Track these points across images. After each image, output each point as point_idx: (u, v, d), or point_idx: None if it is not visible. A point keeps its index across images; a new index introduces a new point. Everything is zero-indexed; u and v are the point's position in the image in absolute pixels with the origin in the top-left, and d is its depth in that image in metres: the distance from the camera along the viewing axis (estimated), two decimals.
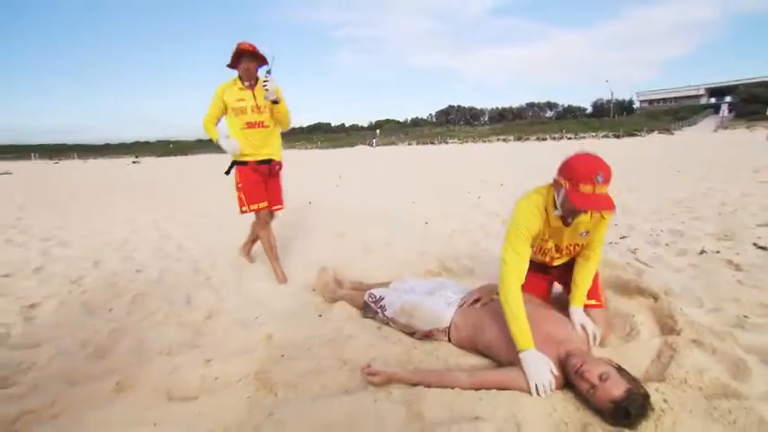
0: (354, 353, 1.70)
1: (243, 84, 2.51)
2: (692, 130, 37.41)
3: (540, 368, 1.39)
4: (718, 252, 2.72)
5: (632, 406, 1.20)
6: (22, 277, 2.96)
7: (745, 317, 1.84)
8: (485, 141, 41.19)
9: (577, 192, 1.41)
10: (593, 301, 1.77)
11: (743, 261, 2.50)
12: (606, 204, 1.40)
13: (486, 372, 1.50)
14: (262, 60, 2.48)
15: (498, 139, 41.37)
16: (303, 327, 1.97)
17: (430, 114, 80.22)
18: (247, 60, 2.45)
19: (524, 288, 1.87)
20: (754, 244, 2.81)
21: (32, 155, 53.27)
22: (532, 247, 1.69)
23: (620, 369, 1.33)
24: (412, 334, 1.83)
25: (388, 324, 1.93)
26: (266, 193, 2.69)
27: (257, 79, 2.52)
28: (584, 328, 1.65)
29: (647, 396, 1.25)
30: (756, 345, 1.62)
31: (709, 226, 3.39)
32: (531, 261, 1.85)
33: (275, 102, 2.46)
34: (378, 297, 2.01)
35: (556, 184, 1.53)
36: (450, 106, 77.69)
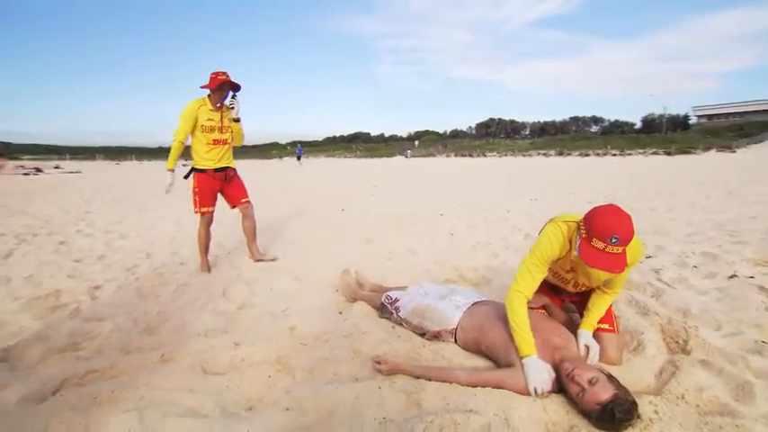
0: (367, 347, 1.86)
1: (213, 106, 2.94)
2: (758, 148, 34.40)
3: (539, 372, 1.48)
4: (751, 277, 2.62)
5: (618, 409, 1.26)
6: (90, 263, 3.40)
7: (765, 342, 1.81)
8: (524, 155, 40.24)
9: (589, 245, 1.42)
10: (605, 326, 1.77)
11: None
12: (612, 266, 1.40)
13: (484, 371, 1.60)
14: (235, 88, 2.92)
15: (538, 154, 40.28)
16: (324, 321, 2.15)
17: (470, 127, 79.78)
18: (226, 88, 2.91)
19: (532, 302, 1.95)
20: None
21: (97, 156, 58.52)
22: (551, 270, 1.74)
23: (610, 376, 1.39)
24: (423, 334, 1.96)
25: (401, 324, 2.07)
26: (216, 199, 3.16)
27: (224, 104, 2.96)
28: (587, 347, 1.64)
29: (634, 403, 1.31)
30: None
31: (749, 251, 3.24)
32: (549, 283, 1.93)
33: (237, 120, 2.99)
34: (394, 299, 2.16)
35: (578, 228, 1.53)
36: (490, 119, 76.85)
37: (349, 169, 20.49)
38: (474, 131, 77.24)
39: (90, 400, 1.46)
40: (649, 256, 3.22)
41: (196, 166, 3.05)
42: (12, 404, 1.44)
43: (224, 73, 2.88)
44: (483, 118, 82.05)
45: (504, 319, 1.68)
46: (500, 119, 76.21)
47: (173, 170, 3.01)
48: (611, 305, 1.84)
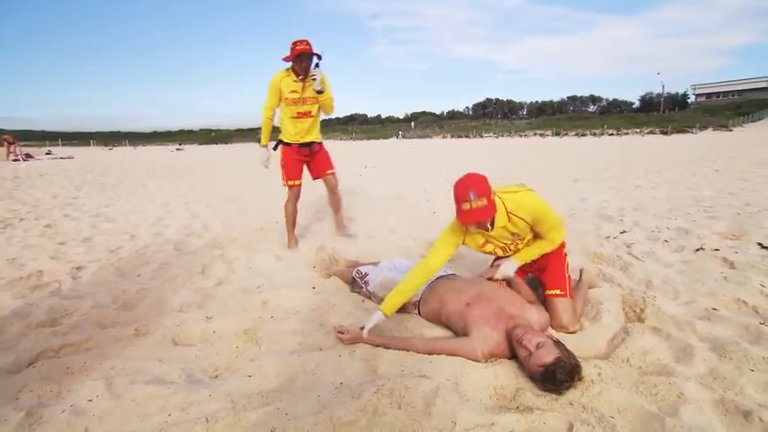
0: (334, 319, 1.93)
1: (296, 77, 2.86)
2: (755, 126, 34.28)
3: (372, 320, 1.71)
4: (717, 250, 2.69)
5: (559, 371, 1.33)
6: (74, 245, 3.44)
7: (714, 309, 1.89)
8: (521, 136, 39.98)
9: (461, 210, 1.62)
10: (557, 291, 1.86)
11: (739, 259, 2.47)
12: (482, 215, 1.59)
13: (440, 340, 1.68)
14: (315, 57, 2.80)
15: (535, 134, 40.02)
16: (296, 296, 2.22)
17: (467, 107, 78.79)
18: (305, 59, 2.79)
19: None
20: (759, 244, 2.75)
21: (91, 141, 57.84)
22: (480, 251, 1.93)
23: (557, 342, 1.46)
24: None
25: (370, 297, 2.14)
26: (301, 174, 3.12)
27: (308, 74, 2.84)
28: (495, 267, 1.88)
29: (576, 366, 1.38)
30: (714, 334, 1.67)
31: (721, 225, 3.31)
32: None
33: (320, 92, 2.83)
34: (363, 273, 2.22)
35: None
36: (487, 99, 75.82)
37: (342, 150, 20.38)
38: (471, 112, 76.39)
39: (62, 371, 1.52)
40: (623, 231, 3.29)
41: (283, 139, 3.05)
42: None
43: (302, 41, 2.75)
44: (480, 98, 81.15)
45: (460, 291, 1.75)
46: (497, 99, 75.27)
47: (266, 146, 3.05)
48: (564, 265, 1.93)
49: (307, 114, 2.95)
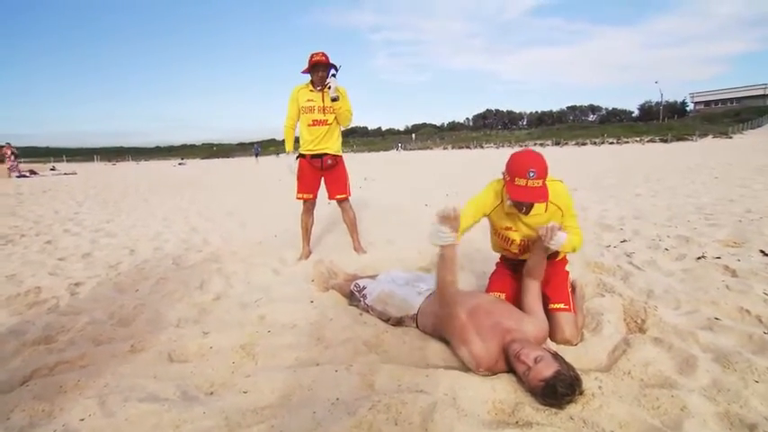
0: (331, 333, 1.90)
1: (314, 87, 2.95)
2: (755, 133, 34.36)
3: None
4: (718, 258, 2.67)
5: (560, 385, 1.30)
6: (73, 261, 3.44)
7: (717, 319, 1.86)
8: (521, 146, 40.17)
9: (513, 185, 1.59)
10: (561, 305, 1.83)
11: (741, 267, 2.45)
12: (536, 196, 1.56)
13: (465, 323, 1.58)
14: (332, 68, 2.88)
15: (535, 144, 40.19)
16: (294, 310, 2.20)
17: (467, 118, 79.51)
18: (321, 69, 2.87)
19: (494, 285, 2.01)
20: (761, 251, 2.73)
21: (95, 157, 58.41)
22: (498, 233, 1.90)
23: (555, 355, 1.44)
24: (387, 320, 2.00)
25: (368, 311, 2.12)
26: (315, 187, 3.14)
27: (324, 84, 2.91)
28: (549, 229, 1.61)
29: (576, 378, 1.35)
30: (716, 344, 1.64)
31: (722, 233, 3.28)
32: (507, 258, 2.02)
33: (335, 99, 2.86)
34: (362, 287, 2.21)
35: (504, 177, 1.72)
36: (487, 110, 76.57)
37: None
38: (471, 123, 76.99)
39: (56, 389, 1.50)
40: (624, 240, 3.27)
41: (300, 151, 3.11)
42: None
43: (319, 53, 2.84)
44: (480, 109, 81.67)
45: (458, 305, 1.73)
46: (497, 110, 75.97)
47: (292, 151, 3.13)
48: (567, 280, 1.91)
49: (323, 123, 2.98)
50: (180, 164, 35.47)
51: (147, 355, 1.78)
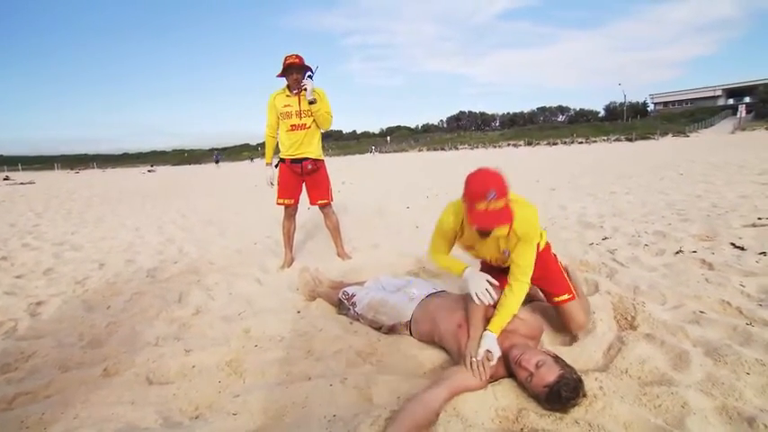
0: (322, 345, 1.82)
1: (290, 92, 2.86)
2: (708, 131, 36.58)
3: (478, 280, 1.58)
4: (694, 252, 2.76)
5: (564, 389, 1.28)
6: (34, 278, 3.19)
7: (702, 312, 1.90)
8: (495, 146, 41.07)
9: (474, 211, 1.42)
10: (565, 296, 1.81)
11: (716, 260, 2.54)
12: (498, 220, 1.41)
13: (443, 381, 1.41)
14: (307, 70, 2.79)
15: (508, 144, 41.23)
16: (280, 322, 2.10)
17: (441, 120, 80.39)
18: (295, 72, 2.77)
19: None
20: (732, 244, 2.84)
21: (56, 165, 55.36)
22: (467, 251, 1.84)
23: (556, 358, 1.42)
24: (379, 328, 1.94)
25: (358, 320, 2.05)
26: (297, 192, 3.06)
27: (300, 87, 2.81)
28: (489, 352, 1.48)
29: (580, 381, 1.34)
30: (705, 338, 1.68)
31: (694, 227, 3.41)
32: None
33: (312, 102, 2.76)
34: (350, 294, 2.13)
35: (463, 201, 1.53)
36: (461, 112, 77.74)
37: None
38: (445, 125, 78.03)
39: (15, 426, 1.35)
40: (606, 238, 3.34)
41: (281, 155, 3.03)
42: None
43: (292, 55, 2.75)
44: (454, 111, 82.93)
45: (452, 309, 1.69)
46: (470, 111, 77.34)
47: (270, 164, 3.07)
48: (560, 268, 1.88)
49: (301, 127, 2.90)
50: (150, 170, 34.17)
51: (122, 378, 1.64)
